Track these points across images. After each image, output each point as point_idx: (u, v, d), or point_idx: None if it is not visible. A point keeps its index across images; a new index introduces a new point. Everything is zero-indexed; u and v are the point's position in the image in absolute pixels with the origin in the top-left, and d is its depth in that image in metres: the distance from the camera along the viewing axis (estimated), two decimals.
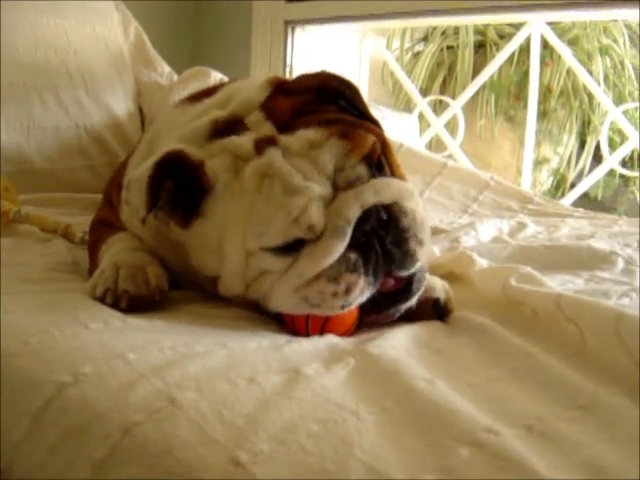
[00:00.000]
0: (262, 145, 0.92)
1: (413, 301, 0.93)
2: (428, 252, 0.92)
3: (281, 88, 1.02)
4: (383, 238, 0.88)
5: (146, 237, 1.06)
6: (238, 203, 0.90)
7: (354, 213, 0.87)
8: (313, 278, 0.87)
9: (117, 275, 0.96)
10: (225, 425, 0.63)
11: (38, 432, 0.70)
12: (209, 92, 1.10)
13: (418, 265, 0.90)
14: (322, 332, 0.89)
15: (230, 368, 0.74)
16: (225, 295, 0.96)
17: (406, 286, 0.91)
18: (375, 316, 0.92)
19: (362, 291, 0.87)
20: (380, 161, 0.94)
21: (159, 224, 0.98)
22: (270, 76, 1.06)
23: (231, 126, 0.97)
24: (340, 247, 0.86)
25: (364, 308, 0.90)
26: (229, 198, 0.91)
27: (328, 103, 0.99)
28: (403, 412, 0.67)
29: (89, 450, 0.65)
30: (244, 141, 0.93)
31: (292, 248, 0.88)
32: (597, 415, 0.69)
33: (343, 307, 0.87)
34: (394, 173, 0.97)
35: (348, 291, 0.86)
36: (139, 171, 0.95)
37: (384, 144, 0.97)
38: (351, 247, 0.87)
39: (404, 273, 0.90)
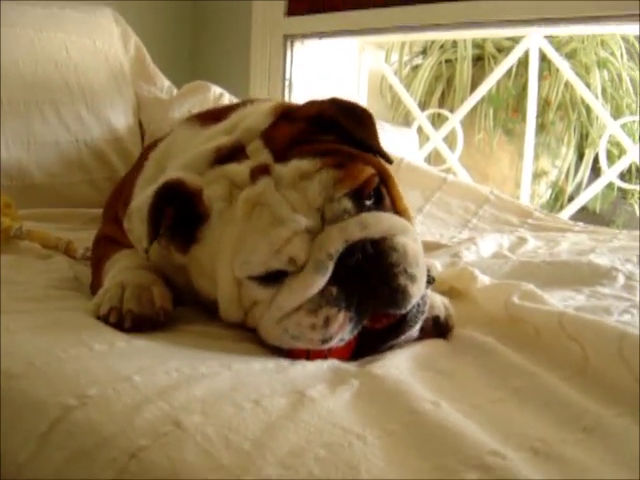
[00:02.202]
0: (257, 174, 0.93)
1: (411, 333, 0.92)
2: (422, 288, 0.90)
3: (285, 115, 1.02)
4: (369, 274, 0.86)
5: (152, 256, 1.06)
6: (229, 230, 0.92)
7: (336, 248, 0.86)
8: (293, 310, 0.87)
9: (122, 294, 0.96)
10: (231, 449, 0.63)
11: (43, 455, 0.69)
12: (223, 112, 1.10)
13: (412, 302, 0.88)
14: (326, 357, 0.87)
15: (235, 390, 0.74)
16: (226, 321, 0.96)
17: (398, 323, 0.89)
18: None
19: (342, 326, 0.85)
20: (379, 193, 0.94)
21: (161, 249, 1.00)
22: (277, 103, 1.07)
23: (233, 153, 0.98)
24: (320, 282, 0.85)
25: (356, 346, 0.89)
26: (222, 225, 0.93)
27: (328, 132, 0.98)
28: (409, 435, 0.67)
29: (95, 475, 0.65)
30: (241, 169, 0.95)
31: (275, 279, 0.88)
32: (602, 437, 0.69)
33: (323, 341, 0.86)
34: (396, 206, 0.96)
35: (326, 324, 0.85)
36: (140, 201, 0.97)
37: (385, 176, 0.96)
38: (334, 281, 0.85)
39: (397, 311, 0.88)
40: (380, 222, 0.89)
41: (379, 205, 0.93)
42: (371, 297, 0.86)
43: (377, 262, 0.87)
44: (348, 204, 0.89)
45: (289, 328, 0.87)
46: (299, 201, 0.89)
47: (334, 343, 0.86)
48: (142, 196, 0.98)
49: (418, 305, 0.90)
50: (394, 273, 0.87)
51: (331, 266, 0.85)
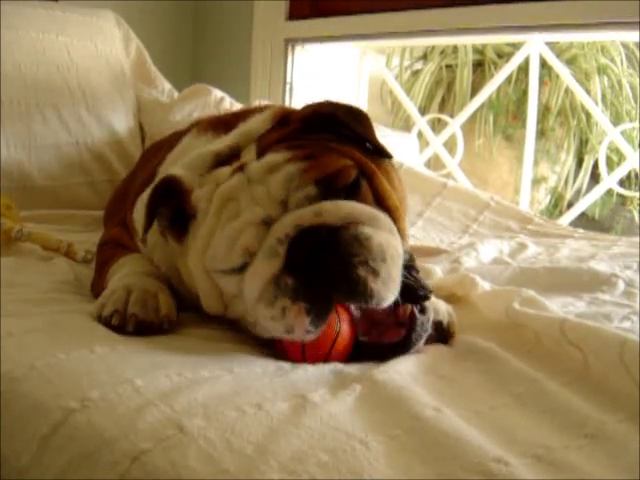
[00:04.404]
0: (235, 172, 0.94)
1: (417, 346, 0.90)
2: (390, 285, 0.84)
3: (282, 119, 1.03)
4: (325, 262, 0.82)
5: (160, 260, 1.07)
6: (204, 225, 0.93)
7: (286, 232, 0.85)
8: (256, 302, 0.86)
9: (128, 298, 0.96)
10: (234, 454, 0.63)
11: (45, 458, 0.69)
12: (234, 120, 1.10)
13: (377, 298, 0.83)
14: (326, 361, 0.87)
15: (237, 394, 0.74)
16: (210, 313, 0.97)
17: (405, 339, 0.88)
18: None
19: (298, 316, 0.83)
20: (357, 187, 0.91)
21: (162, 239, 1.03)
22: (278, 108, 1.08)
23: (231, 158, 0.99)
24: (270, 266, 0.85)
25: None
26: (203, 222, 0.94)
27: (321, 131, 0.97)
28: (412, 441, 0.67)
29: (98, 478, 0.65)
30: (227, 170, 0.96)
31: (240, 270, 0.89)
32: (604, 443, 0.69)
33: (287, 332, 0.84)
34: (383, 202, 0.93)
35: (283, 315, 0.84)
36: (144, 194, 1.02)
37: (370, 172, 0.94)
38: (290, 272, 0.84)
39: (360, 304, 0.85)
40: (338, 209, 0.86)
41: (353, 196, 0.90)
42: (330, 288, 0.83)
43: (333, 250, 0.83)
44: (312, 191, 0.88)
45: (258, 319, 0.88)
46: (262, 194, 0.89)
47: (299, 334, 0.84)
48: (147, 191, 1.02)
49: (422, 324, 0.89)
50: (352, 263, 0.82)
51: (282, 250, 0.84)
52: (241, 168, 0.94)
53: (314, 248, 0.83)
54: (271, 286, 0.85)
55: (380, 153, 0.99)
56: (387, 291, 0.84)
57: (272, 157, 0.92)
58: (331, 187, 0.89)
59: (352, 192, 0.91)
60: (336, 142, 0.96)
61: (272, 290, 0.85)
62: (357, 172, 0.92)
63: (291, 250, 0.84)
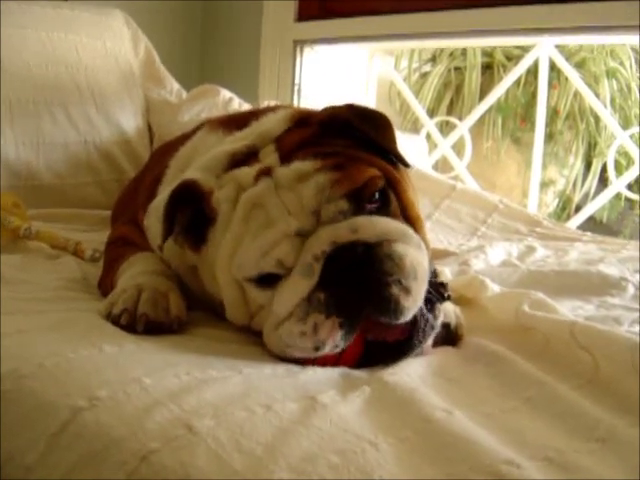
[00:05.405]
0: (260, 176, 0.93)
1: (421, 347, 0.89)
2: (418, 302, 0.85)
3: (301, 121, 1.01)
4: (359, 278, 0.83)
5: (172, 260, 1.06)
6: (230, 231, 0.92)
7: (323, 250, 0.84)
8: (285, 318, 0.86)
9: (138, 297, 0.95)
10: (243, 454, 0.63)
11: (53, 456, 0.69)
12: (245, 118, 1.10)
13: (407, 314, 0.84)
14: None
15: (246, 395, 0.74)
16: (233, 323, 0.96)
17: (407, 339, 0.86)
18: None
19: (331, 332, 0.83)
20: (385, 197, 0.91)
21: (177, 247, 1.01)
22: (296, 109, 1.07)
23: (247, 158, 0.98)
24: (306, 284, 0.84)
25: (362, 361, 0.86)
26: (225, 227, 0.93)
27: (339, 135, 0.96)
28: (422, 443, 0.67)
29: (105, 477, 0.65)
30: (249, 172, 0.95)
31: (271, 282, 0.88)
32: (615, 447, 0.69)
33: (315, 349, 0.84)
34: (406, 212, 0.94)
35: (315, 331, 0.83)
36: (158, 200, 0.99)
37: (394, 181, 0.94)
38: (323, 287, 0.84)
39: (390, 320, 0.84)
40: (373, 226, 0.86)
41: (384, 209, 0.91)
42: (363, 303, 0.83)
43: (368, 267, 0.83)
44: (345, 206, 0.87)
45: (283, 336, 0.86)
46: (294, 203, 0.88)
47: (328, 350, 0.84)
48: (161, 196, 1.00)
49: (427, 320, 0.88)
50: (386, 282, 0.83)
51: (318, 268, 0.84)
52: (266, 172, 0.93)
53: (349, 265, 0.83)
54: (304, 302, 0.84)
55: (398, 162, 0.98)
56: (415, 307, 0.85)
57: (300, 165, 0.91)
58: (362, 199, 0.89)
59: (382, 204, 0.91)
60: (356, 148, 0.95)
61: (304, 306, 0.84)
62: (384, 182, 0.92)
63: (326, 266, 0.84)
